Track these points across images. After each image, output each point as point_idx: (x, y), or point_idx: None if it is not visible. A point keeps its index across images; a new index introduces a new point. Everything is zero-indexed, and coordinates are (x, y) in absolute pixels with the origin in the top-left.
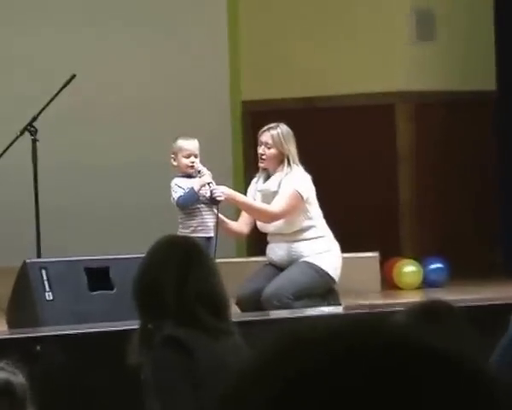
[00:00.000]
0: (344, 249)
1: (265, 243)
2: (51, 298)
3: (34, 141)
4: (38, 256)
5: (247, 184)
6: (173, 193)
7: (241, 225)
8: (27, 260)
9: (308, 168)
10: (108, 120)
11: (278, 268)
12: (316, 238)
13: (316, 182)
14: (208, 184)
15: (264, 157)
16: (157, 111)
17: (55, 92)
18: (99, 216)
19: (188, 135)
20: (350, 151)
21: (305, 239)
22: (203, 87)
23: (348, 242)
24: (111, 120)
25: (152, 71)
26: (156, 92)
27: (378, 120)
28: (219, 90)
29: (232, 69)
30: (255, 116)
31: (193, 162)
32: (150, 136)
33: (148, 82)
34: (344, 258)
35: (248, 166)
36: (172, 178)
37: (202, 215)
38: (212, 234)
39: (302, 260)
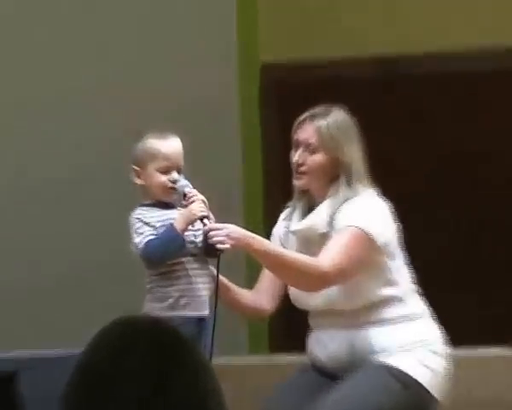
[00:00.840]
0: (456, 341)
1: (304, 330)
2: None
3: None
4: None
5: (271, 218)
6: (136, 236)
7: (261, 295)
8: None
9: (384, 188)
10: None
11: (329, 375)
12: (401, 320)
13: (397, 213)
14: (202, 219)
15: (303, 169)
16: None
17: None
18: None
19: (164, 128)
20: (457, 150)
21: (381, 322)
22: (198, 40)
23: (467, 328)
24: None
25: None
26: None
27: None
28: (223, 45)
29: (241, 13)
30: (285, 90)
31: (175, 182)
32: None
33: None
34: (455, 356)
35: (272, 185)
36: (133, 208)
37: (190, 278)
38: (206, 312)
39: (375, 359)
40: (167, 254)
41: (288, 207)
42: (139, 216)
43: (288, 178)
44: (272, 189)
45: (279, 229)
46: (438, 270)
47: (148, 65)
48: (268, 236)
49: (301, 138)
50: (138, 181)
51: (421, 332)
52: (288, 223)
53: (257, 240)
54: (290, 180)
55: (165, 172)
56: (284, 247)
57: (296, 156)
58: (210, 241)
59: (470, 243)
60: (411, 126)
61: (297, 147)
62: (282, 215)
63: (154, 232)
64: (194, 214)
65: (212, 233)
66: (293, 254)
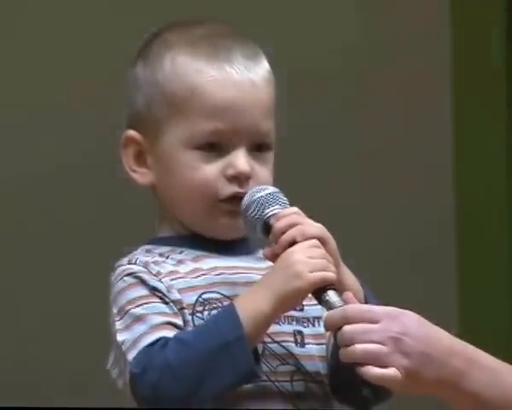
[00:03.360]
0: None
1: None
2: None
3: None
4: None
5: None
6: (119, 328)
7: None
8: None
9: None
10: None
11: None
12: None
13: None
14: (321, 292)
15: None
16: None
17: None
18: None
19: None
20: None
21: None
22: None
23: None
24: None
25: None
26: None
27: None
28: None
29: None
30: None
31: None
32: None
33: None
34: None
35: None
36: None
37: None
38: None
39: None
40: (204, 392)
41: None
42: (134, 269)
43: None
44: None
45: None
46: None
47: None
48: None
49: None
50: (140, 178)
51: None
52: None
53: (479, 365)
54: None
55: (215, 156)
56: None
57: None
58: (343, 358)
59: None
60: None
61: None
62: None
63: (174, 323)
64: (299, 276)
65: (346, 335)
66: None
